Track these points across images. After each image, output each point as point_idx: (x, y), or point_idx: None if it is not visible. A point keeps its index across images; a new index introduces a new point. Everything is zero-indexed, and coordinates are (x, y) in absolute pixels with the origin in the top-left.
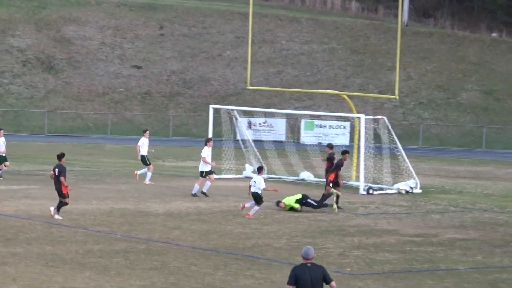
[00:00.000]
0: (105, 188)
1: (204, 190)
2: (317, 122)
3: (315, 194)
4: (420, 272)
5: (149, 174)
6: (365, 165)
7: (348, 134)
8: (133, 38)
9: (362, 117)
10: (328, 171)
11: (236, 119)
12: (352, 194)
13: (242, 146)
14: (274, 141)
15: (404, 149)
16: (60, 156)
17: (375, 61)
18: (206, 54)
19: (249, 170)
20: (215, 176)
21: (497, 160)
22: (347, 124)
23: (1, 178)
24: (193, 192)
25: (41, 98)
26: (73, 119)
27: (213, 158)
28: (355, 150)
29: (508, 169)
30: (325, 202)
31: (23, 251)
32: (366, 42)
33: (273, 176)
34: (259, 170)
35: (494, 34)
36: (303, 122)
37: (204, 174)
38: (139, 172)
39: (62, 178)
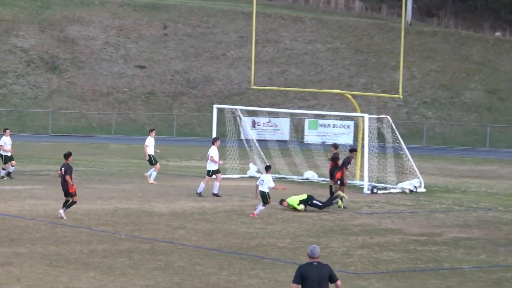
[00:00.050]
0: (109, 188)
1: (215, 192)
2: (321, 121)
3: (319, 193)
4: (424, 272)
5: (154, 173)
6: (369, 164)
7: (352, 134)
8: (137, 38)
9: (366, 116)
10: (332, 171)
11: (240, 118)
12: (356, 193)
13: (246, 146)
14: (278, 141)
15: (408, 148)
16: (67, 156)
17: (379, 61)
18: (210, 54)
19: (253, 169)
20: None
21: (501, 159)
22: (351, 123)
23: (5, 179)
24: (198, 191)
25: (45, 98)
26: (77, 119)
27: (218, 158)
28: (359, 150)
29: None
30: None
31: (28, 251)
32: (370, 41)
33: (277, 175)
34: (268, 169)
35: (497, 33)
36: (307, 122)
37: (211, 173)
38: (148, 173)
39: (68, 177)
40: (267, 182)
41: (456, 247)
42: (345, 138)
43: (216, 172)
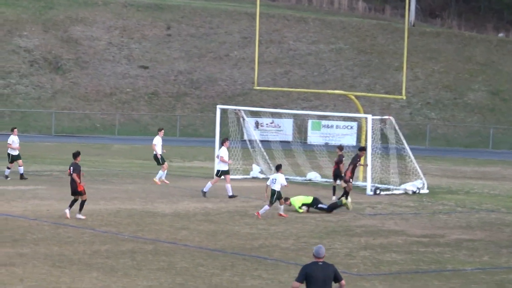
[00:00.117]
0: (112, 189)
1: (230, 194)
2: (324, 122)
3: (322, 194)
4: (427, 273)
5: (160, 172)
6: (372, 165)
7: (355, 134)
8: (140, 38)
9: (369, 117)
10: (336, 173)
11: (243, 119)
12: (359, 195)
13: (249, 147)
14: (281, 141)
15: (411, 149)
16: (76, 155)
17: (382, 61)
18: (213, 54)
19: (256, 170)
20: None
21: (504, 160)
22: (354, 124)
23: (9, 178)
24: (203, 190)
25: (49, 99)
26: (80, 120)
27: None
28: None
29: None
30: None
31: (31, 252)
32: (373, 42)
33: None
34: (279, 168)
35: (501, 34)
36: (310, 122)
37: (219, 174)
38: (157, 177)
39: (75, 175)
40: (280, 180)
41: (459, 249)
42: (348, 139)
43: (225, 173)
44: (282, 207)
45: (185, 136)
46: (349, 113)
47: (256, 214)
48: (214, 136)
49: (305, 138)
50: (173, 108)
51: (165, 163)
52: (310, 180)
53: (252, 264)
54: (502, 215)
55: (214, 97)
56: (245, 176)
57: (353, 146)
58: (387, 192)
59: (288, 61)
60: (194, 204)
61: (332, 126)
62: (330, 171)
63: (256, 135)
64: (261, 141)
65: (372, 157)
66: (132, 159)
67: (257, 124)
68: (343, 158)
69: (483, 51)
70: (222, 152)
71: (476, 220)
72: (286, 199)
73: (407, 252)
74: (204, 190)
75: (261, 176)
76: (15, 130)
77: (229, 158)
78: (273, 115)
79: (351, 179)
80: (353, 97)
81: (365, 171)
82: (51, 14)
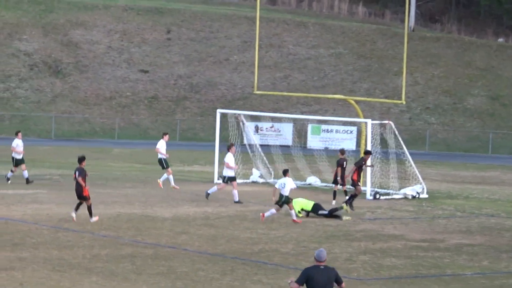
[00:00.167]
0: (112, 193)
1: (236, 200)
2: (324, 126)
3: (321, 199)
4: (426, 278)
5: (171, 177)
6: (371, 170)
7: (355, 139)
8: (140, 42)
9: (369, 122)
10: (336, 177)
11: (243, 123)
12: (359, 199)
13: (249, 151)
14: (281, 146)
15: (410, 154)
16: (81, 160)
17: (382, 66)
18: (213, 59)
19: (256, 174)
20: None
21: (503, 165)
22: (354, 128)
23: (9, 182)
24: (207, 191)
25: (48, 102)
26: (80, 123)
27: (220, 162)
28: (361, 155)
29: None
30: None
31: (30, 256)
32: (373, 47)
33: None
34: (286, 172)
35: (500, 39)
36: (310, 127)
37: (226, 180)
38: (162, 179)
39: (80, 179)
40: (289, 185)
41: (459, 253)
42: (348, 143)
43: (231, 179)
44: (293, 212)
45: (185, 140)
46: (349, 117)
47: (261, 215)
48: (214, 140)
49: (305, 143)
50: (173, 112)
51: (169, 167)
52: (309, 184)
53: (252, 268)
54: (502, 219)
55: (214, 101)
56: (245, 181)
57: (352, 151)
58: (387, 197)
59: (288, 65)
60: (194, 209)
61: (331, 131)
62: (330, 175)
63: (256, 140)
64: (261, 146)
65: (372, 162)
66: (132, 163)
67: (256, 129)
68: (345, 162)
69: (483, 56)
70: (228, 158)
71: (476, 225)
72: (288, 201)
73: (407, 256)
74: (209, 191)
75: (261, 180)
76: (19, 133)
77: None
78: (273, 119)
79: (359, 182)
80: (352, 102)
81: (364, 176)
82: (51, 18)
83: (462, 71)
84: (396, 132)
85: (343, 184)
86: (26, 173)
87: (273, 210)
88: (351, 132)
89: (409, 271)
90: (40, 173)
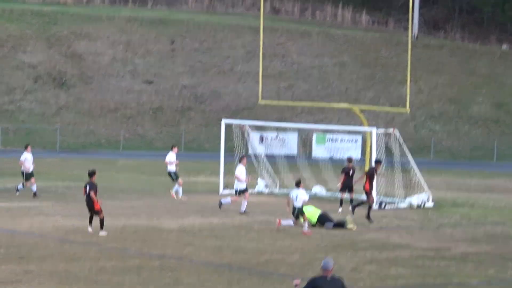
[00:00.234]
0: (117, 204)
1: (242, 210)
2: (328, 136)
3: (327, 209)
4: (433, 287)
5: (180, 189)
6: (377, 179)
7: (360, 148)
8: (145, 53)
9: (374, 130)
10: (344, 185)
11: (248, 134)
12: (364, 208)
13: (254, 161)
14: (286, 156)
15: (415, 162)
16: (91, 174)
17: (386, 75)
18: (217, 69)
19: (261, 185)
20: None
21: (508, 173)
22: (359, 137)
23: (17, 194)
24: (222, 201)
25: (53, 114)
26: (85, 135)
27: (225, 173)
28: (366, 164)
29: None
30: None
31: (37, 269)
32: (377, 55)
33: (286, 190)
34: (299, 183)
35: (504, 47)
36: (314, 136)
37: (238, 192)
38: (174, 190)
39: (92, 194)
40: (302, 196)
41: (465, 262)
42: (353, 152)
43: (243, 191)
44: (306, 223)
45: (190, 151)
46: (354, 126)
47: (277, 220)
48: (219, 151)
49: (310, 152)
50: (177, 123)
51: (179, 178)
52: (315, 194)
53: (258, 279)
54: (508, 228)
55: (218, 112)
56: (250, 191)
57: (357, 160)
58: (392, 206)
59: (292, 74)
60: (200, 220)
61: (336, 140)
62: (335, 184)
63: (261, 150)
64: (266, 156)
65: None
66: (137, 174)
67: (261, 139)
68: (351, 170)
69: (486, 64)
70: (238, 170)
71: (481, 233)
72: (302, 212)
73: (413, 265)
74: (222, 201)
75: (266, 190)
76: (29, 147)
77: (233, 173)
78: (277, 129)
79: (371, 191)
80: (357, 111)
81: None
82: (55, 30)
83: (466, 78)
84: (401, 141)
85: (347, 191)
86: (34, 187)
87: (291, 222)
88: (356, 141)
89: (415, 280)
90: (45, 186)
